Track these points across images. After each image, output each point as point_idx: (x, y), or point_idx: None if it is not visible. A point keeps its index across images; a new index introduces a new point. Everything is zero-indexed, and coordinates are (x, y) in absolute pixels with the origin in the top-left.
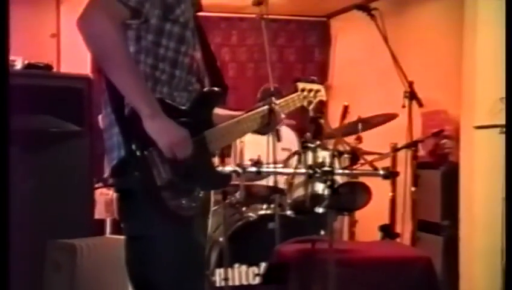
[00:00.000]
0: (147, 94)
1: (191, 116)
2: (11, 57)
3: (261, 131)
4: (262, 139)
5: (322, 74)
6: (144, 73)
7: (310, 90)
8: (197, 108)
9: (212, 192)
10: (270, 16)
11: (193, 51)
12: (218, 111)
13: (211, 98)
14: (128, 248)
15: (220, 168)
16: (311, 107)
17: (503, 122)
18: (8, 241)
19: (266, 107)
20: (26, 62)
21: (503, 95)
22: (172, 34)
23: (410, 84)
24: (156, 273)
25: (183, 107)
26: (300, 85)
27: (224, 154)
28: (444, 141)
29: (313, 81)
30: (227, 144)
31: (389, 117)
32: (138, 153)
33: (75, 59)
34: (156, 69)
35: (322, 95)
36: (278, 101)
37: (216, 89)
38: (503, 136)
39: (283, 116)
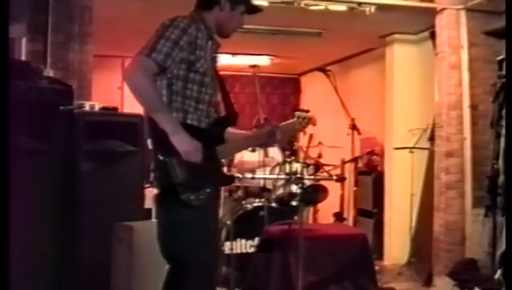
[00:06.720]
0: (170, 119)
1: (210, 134)
2: (92, 102)
3: (263, 145)
4: (255, 155)
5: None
6: (176, 108)
7: (304, 118)
8: (214, 129)
9: (222, 192)
10: (261, 74)
11: (212, 90)
12: (232, 130)
13: (223, 122)
14: (158, 227)
15: (227, 172)
16: (305, 129)
17: (411, 145)
18: (7, 241)
19: (264, 130)
20: (101, 106)
21: (412, 127)
22: (195, 80)
23: (352, 119)
24: (176, 246)
25: (205, 127)
26: (297, 113)
27: (231, 165)
28: (374, 157)
29: (306, 111)
30: (233, 154)
31: (338, 147)
32: (161, 160)
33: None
34: (184, 104)
35: (313, 121)
36: (280, 124)
37: (227, 116)
38: (411, 154)
39: (279, 137)
